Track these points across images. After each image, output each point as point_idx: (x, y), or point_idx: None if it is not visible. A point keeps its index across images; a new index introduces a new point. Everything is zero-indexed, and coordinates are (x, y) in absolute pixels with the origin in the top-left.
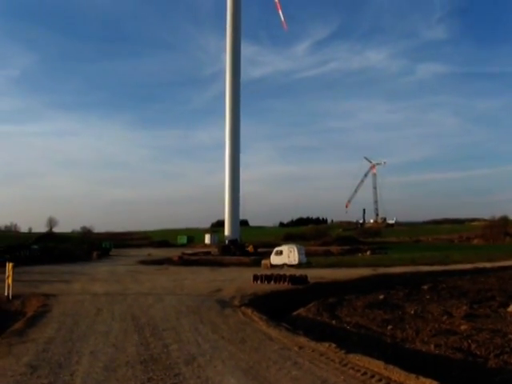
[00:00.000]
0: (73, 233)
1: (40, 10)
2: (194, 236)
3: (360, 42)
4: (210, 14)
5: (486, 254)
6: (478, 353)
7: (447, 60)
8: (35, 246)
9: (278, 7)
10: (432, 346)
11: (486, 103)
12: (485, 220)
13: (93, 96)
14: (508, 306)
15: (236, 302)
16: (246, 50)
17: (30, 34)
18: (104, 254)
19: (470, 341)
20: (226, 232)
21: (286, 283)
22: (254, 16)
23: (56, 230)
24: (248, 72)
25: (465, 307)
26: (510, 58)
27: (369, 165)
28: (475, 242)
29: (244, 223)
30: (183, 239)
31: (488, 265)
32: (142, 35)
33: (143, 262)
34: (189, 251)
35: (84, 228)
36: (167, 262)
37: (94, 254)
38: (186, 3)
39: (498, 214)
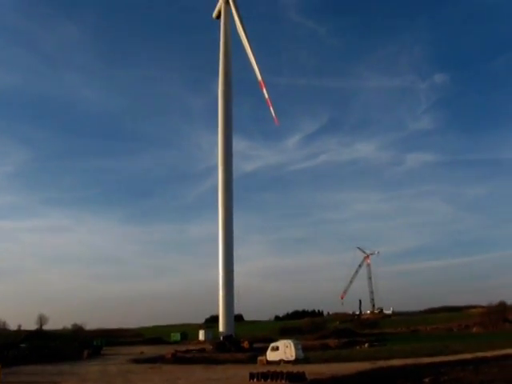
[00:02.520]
0: (63, 330)
1: (36, 108)
2: (187, 332)
3: (349, 134)
4: (203, 111)
5: (486, 343)
6: None
7: (435, 149)
8: (24, 345)
9: (269, 103)
10: None
11: (476, 190)
12: (482, 307)
13: (87, 192)
14: None
15: None
16: (238, 144)
17: (26, 132)
18: (95, 353)
19: None
20: (221, 328)
21: (283, 381)
22: (246, 112)
23: (46, 327)
24: (240, 166)
25: None
26: (494, 145)
27: (362, 255)
28: (474, 329)
29: (239, 318)
30: (176, 336)
31: (489, 354)
32: (137, 133)
33: (136, 361)
34: (182, 348)
35: (75, 325)
36: (160, 360)
37: (85, 352)
38: (179, 102)
39: (495, 300)
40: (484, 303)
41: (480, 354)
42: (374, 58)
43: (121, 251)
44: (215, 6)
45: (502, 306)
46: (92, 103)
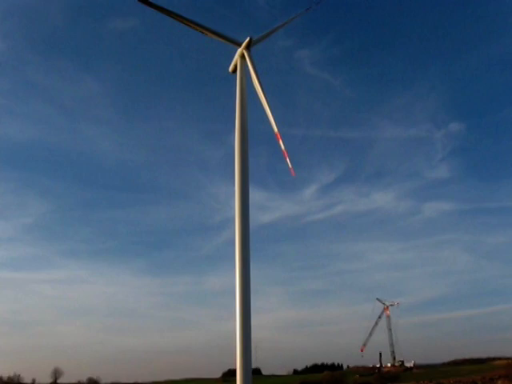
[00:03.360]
0: None
1: (55, 160)
2: None
3: (366, 184)
4: (220, 162)
5: None
6: None
7: (452, 198)
8: None
9: (285, 155)
10: None
11: (496, 238)
12: (507, 358)
13: (104, 243)
14: None
15: None
16: (255, 195)
17: (45, 184)
18: None
19: None
20: (238, 382)
21: None
22: (262, 163)
23: (61, 380)
24: (257, 217)
25: None
26: (510, 192)
27: (382, 306)
28: (499, 383)
29: (257, 372)
30: None
31: None
32: (154, 184)
33: None
34: None
35: (90, 379)
36: None
37: None
38: (196, 154)
39: None
40: (508, 354)
41: None
42: (389, 108)
43: (137, 303)
44: (231, 61)
45: None
46: (110, 155)
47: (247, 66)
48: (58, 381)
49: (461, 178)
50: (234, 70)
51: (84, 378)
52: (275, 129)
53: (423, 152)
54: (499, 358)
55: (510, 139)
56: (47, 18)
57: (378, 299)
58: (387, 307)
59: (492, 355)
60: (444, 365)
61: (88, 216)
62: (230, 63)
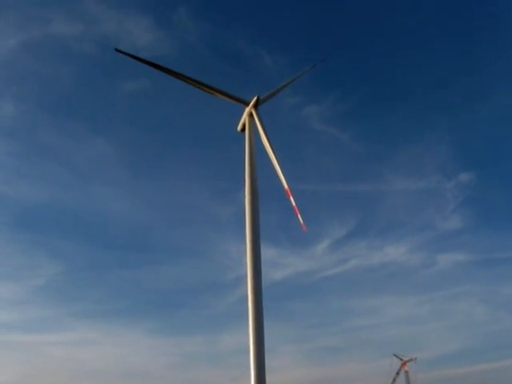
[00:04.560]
0: None
1: (66, 221)
2: None
3: (378, 238)
4: (230, 220)
5: None
6: None
7: (466, 248)
8: None
9: (297, 211)
10: None
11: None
12: None
13: (115, 304)
14: None
15: None
16: (267, 252)
17: (57, 245)
18: None
19: None
20: None
21: None
22: (273, 220)
23: None
24: (269, 274)
25: None
26: None
27: (399, 362)
28: None
29: None
30: None
31: None
32: (164, 243)
33: None
34: None
35: None
36: None
37: None
38: (206, 212)
39: None
40: None
41: None
42: (398, 161)
43: (149, 364)
44: (240, 120)
45: None
46: (120, 215)
47: (255, 124)
48: None
49: (473, 228)
50: (243, 129)
51: None
52: (285, 185)
53: (434, 203)
54: None
55: None
56: (59, 81)
57: (395, 355)
58: (405, 363)
59: None
60: None
61: (99, 277)
62: (239, 122)
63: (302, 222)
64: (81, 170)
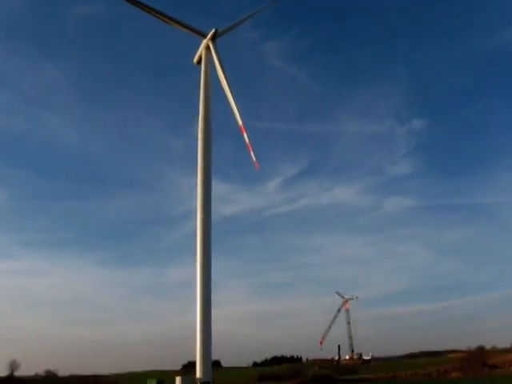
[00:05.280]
0: (36, 376)
1: (13, 148)
2: (164, 379)
3: (329, 179)
4: (182, 154)
5: None
6: None
7: (413, 194)
8: None
9: (250, 148)
10: None
11: (455, 234)
12: (462, 351)
13: (62, 234)
14: None
15: None
16: (218, 188)
17: (2, 172)
18: None
19: None
20: (198, 374)
21: None
22: (226, 156)
23: (18, 373)
24: (220, 210)
25: None
26: (472, 189)
27: (341, 300)
28: (453, 375)
29: (216, 364)
30: (153, 383)
31: None
32: (115, 175)
33: None
34: None
35: (48, 371)
36: None
37: None
38: (159, 145)
39: (474, 344)
40: (463, 348)
41: None
42: (354, 104)
43: (96, 295)
44: (196, 52)
45: (481, 351)
46: (71, 145)
47: (212, 57)
48: (15, 373)
49: (422, 175)
50: (199, 61)
51: (42, 371)
52: (239, 121)
53: (386, 148)
54: (454, 351)
55: (471, 137)
56: (8, 2)
57: (337, 293)
58: (346, 301)
59: (448, 348)
60: (401, 357)
61: (47, 206)
62: (195, 54)
63: (254, 159)
64: (30, 96)
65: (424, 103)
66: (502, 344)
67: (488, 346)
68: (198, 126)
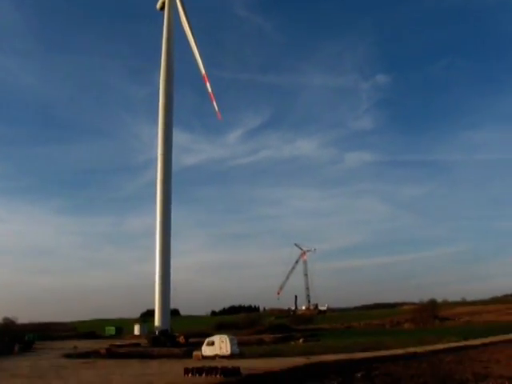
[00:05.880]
0: None
1: None
2: (122, 327)
3: (291, 131)
4: (144, 102)
5: (416, 339)
6: None
7: (374, 149)
8: None
9: (212, 98)
10: None
11: (413, 190)
12: (414, 304)
13: (20, 181)
14: None
15: None
16: (179, 137)
17: None
18: (27, 348)
19: None
20: (156, 322)
21: (217, 376)
22: (188, 105)
23: None
24: (181, 159)
25: None
26: (430, 146)
27: (300, 252)
28: (406, 326)
29: (175, 312)
30: (111, 330)
31: (419, 349)
32: (75, 121)
33: (68, 356)
34: (117, 343)
35: (6, 319)
36: (94, 355)
37: (16, 347)
38: (120, 92)
39: (426, 297)
40: (416, 301)
41: (410, 350)
42: (319, 57)
43: (55, 243)
44: None
45: (433, 304)
46: (27, 89)
47: (176, 3)
48: None
49: (383, 130)
50: (162, 7)
51: (0, 318)
52: (202, 70)
53: (349, 102)
54: (407, 304)
55: (433, 94)
56: None
57: (296, 244)
58: (304, 253)
59: (401, 301)
60: (356, 309)
61: (5, 152)
62: (158, 0)
63: (217, 109)
64: None
65: (389, 58)
66: (452, 298)
67: (439, 300)
68: (160, 74)
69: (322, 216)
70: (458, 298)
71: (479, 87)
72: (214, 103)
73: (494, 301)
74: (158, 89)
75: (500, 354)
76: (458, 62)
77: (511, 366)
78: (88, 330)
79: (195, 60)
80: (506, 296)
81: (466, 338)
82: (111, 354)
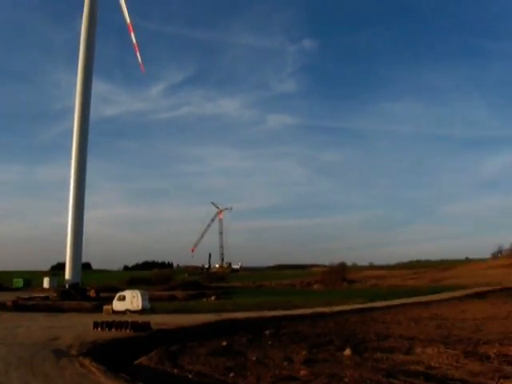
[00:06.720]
0: None
1: None
2: (31, 279)
3: (214, 89)
4: (64, 47)
5: (324, 299)
6: None
7: (295, 112)
8: None
9: (136, 49)
10: None
11: (330, 155)
12: (324, 266)
13: None
14: (344, 349)
15: (74, 352)
16: (99, 87)
17: None
18: None
19: None
20: (67, 275)
21: (127, 330)
22: (110, 54)
23: None
24: (100, 110)
25: (304, 352)
26: (350, 114)
27: (216, 210)
28: (315, 287)
29: (86, 266)
30: (19, 282)
31: (326, 309)
32: None
33: None
34: (25, 295)
35: None
36: (0, 307)
37: None
38: (38, 34)
39: (336, 260)
40: (326, 263)
41: (318, 310)
42: (247, 15)
43: None
44: None
45: (342, 267)
46: None
47: None
48: None
49: (306, 95)
50: None
51: None
52: (127, 19)
53: (274, 64)
54: (318, 266)
55: (357, 63)
56: None
57: (212, 203)
58: (221, 211)
59: (312, 263)
60: (268, 268)
61: None
62: None
63: (140, 60)
64: None
65: (316, 23)
66: (361, 262)
67: (349, 263)
68: (82, 20)
69: (241, 176)
70: (366, 263)
71: (402, 59)
72: (138, 54)
73: (400, 266)
74: (80, 35)
75: (401, 316)
76: (382, 33)
77: (411, 327)
78: None
79: (120, 8)
80: (411, 262)
81: (371, 300)
82: (18, 306)
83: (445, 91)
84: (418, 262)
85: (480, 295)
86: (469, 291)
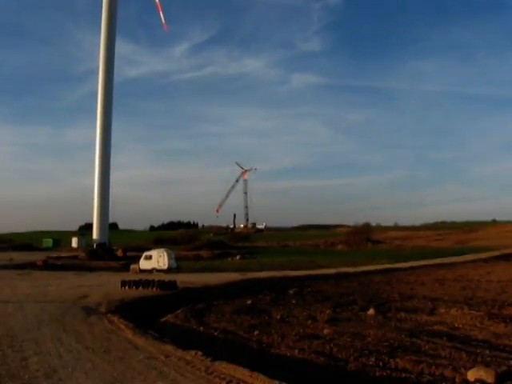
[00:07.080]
0: None
1: None
2: (60, 239)
3: (238, 48)
4: (87, 8)
5: (348, 259)
6: (340, 356)
7: (320, 72)
8: None
9: (159, 8)
10: (296, 351)
11: (355, 115)
12: (349, 226)
13: None
14: (368, 309)
15: (102, 309)
16: (122, 48)
17: None
18: None
19: (332, 344)
20: (94, 235)
21: (154, 289)
22: (133, 14)
23: None
24: (123, 71)
25: (328, 311)
26: (376, 73)
27: (240, 170)
28: (339, 247)
29: (113, 226)
30: (48, 242)
31: (350, 270)
32: (11, 25)
33: (4, 267)
34: (54, 255)
35: None
36: (30, 266)
37: None
38: None
39: (361, 221)
40: (351, 223)
41: (342, 270)
42: None
43: None
44: None
45: (366, 227)
46: None
47: None
48: None
49: (331, 53)
50: None
51: None
52: None
53: (299, 22)
54: (342, 226)
55: (384, 21)
56: None
57: (237, 163)
58: (245, 171)
59: (336, 223)
60: (292, 229)
61: None
62: None
63: (163, 20)
64: None
65: None
66: (385, 222)
67: (373, 224)
68: None
69: (264, 136)
70: (390, 223)
71: (431, 15)
72: (161, 14)
73: (425, 227)
74: None
75: (426, 277)
76: None
77: (435, 288)
78: (24, 241)
79: None
80: (436, 223)
81: (396, 261)
82: (48, 265)
83: (476, 49)
84: (443, 223)
85: (506, 257)
86: (495, 253)
